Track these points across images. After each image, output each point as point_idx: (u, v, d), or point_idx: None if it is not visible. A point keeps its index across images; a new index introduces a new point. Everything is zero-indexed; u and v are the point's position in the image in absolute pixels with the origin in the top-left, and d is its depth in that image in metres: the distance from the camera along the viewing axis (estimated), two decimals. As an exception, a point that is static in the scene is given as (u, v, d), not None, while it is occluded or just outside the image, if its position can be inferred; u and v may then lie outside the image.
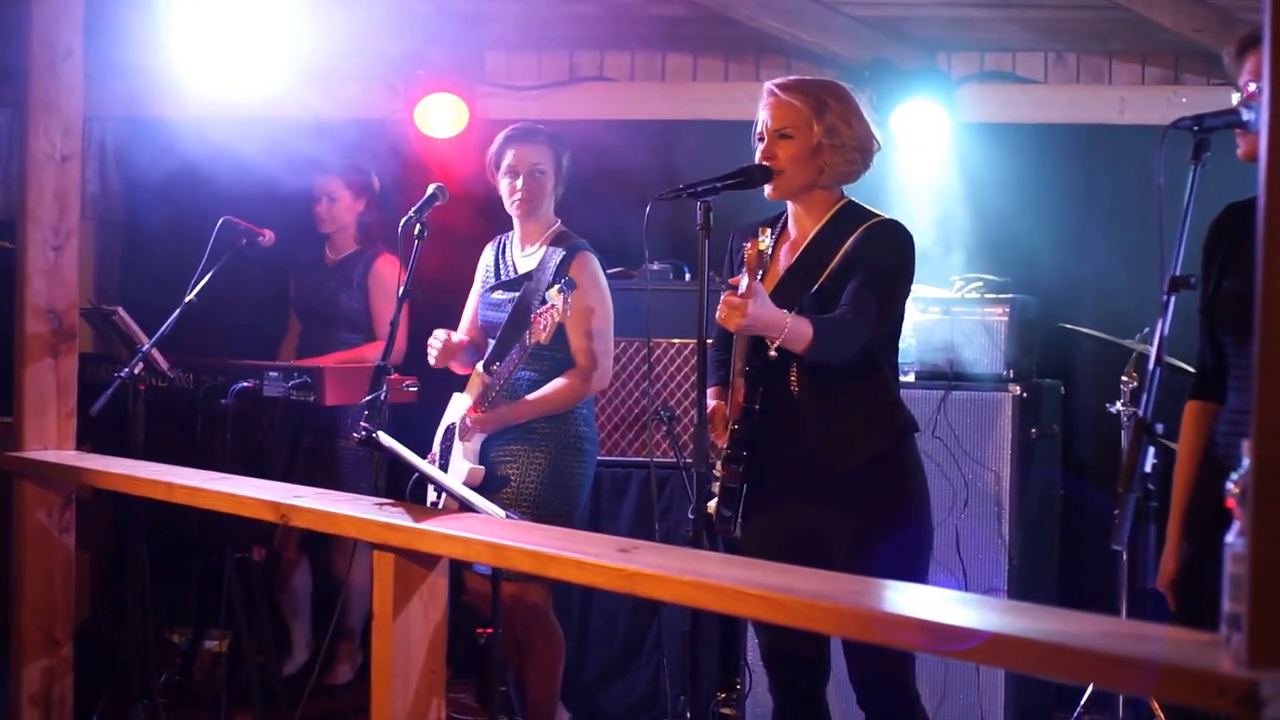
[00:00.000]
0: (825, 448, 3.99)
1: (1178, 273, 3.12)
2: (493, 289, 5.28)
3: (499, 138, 5.27)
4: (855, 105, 4.14)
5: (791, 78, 4.20)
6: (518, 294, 5.14)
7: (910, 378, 5.59)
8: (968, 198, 6.28)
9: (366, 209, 6.46)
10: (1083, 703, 5.44)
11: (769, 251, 3.89)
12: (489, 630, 4.25)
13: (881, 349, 4.06)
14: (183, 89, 6.50)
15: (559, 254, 5.12)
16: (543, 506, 4.99)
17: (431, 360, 5.14)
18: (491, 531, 3.48)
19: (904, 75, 6.34)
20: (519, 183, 5.17)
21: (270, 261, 6.24)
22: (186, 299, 5.42)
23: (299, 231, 6.42)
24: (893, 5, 6.27)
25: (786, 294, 3.98)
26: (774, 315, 3.80)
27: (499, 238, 5.39)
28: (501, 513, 3.91)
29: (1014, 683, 5.38)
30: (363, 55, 6.71)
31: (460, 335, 5.25)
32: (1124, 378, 5.29)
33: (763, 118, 4.14)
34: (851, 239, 4.01)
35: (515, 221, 5.28)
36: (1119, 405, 5.31)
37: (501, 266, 5.31)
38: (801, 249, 4.09)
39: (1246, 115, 3.24)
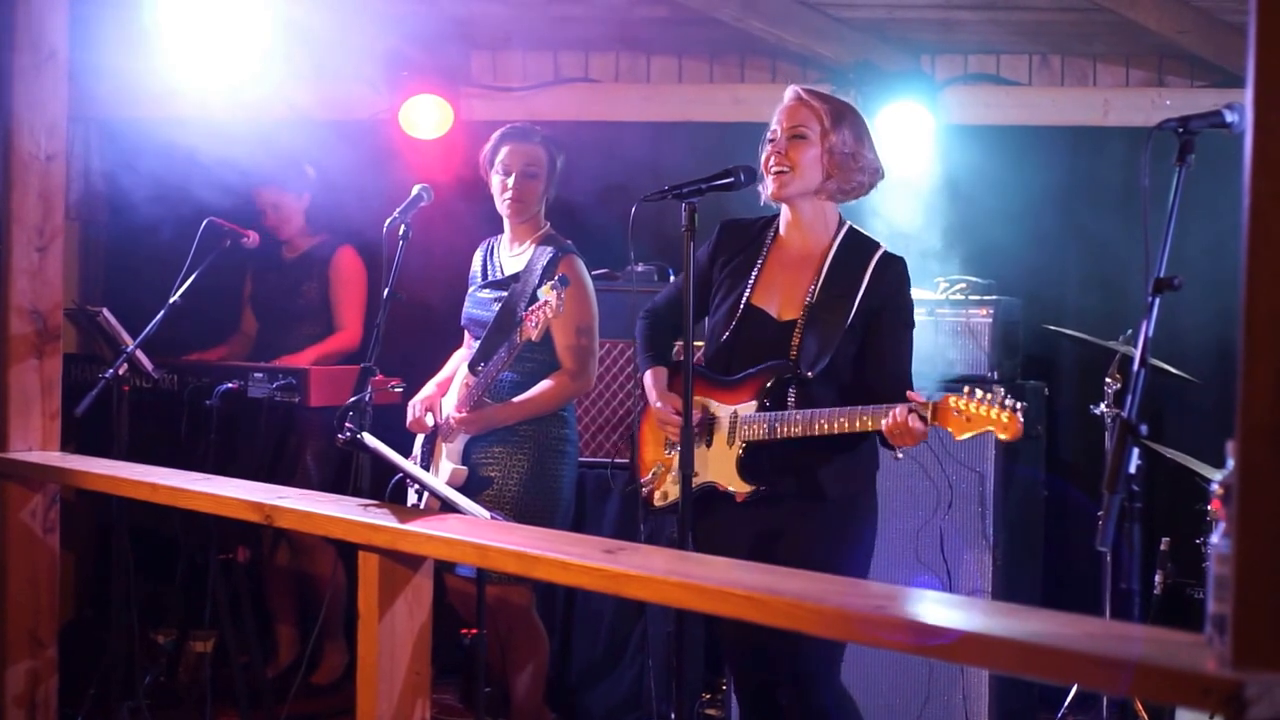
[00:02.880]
0: (832, 480, 4.10)
1: (1162, 274, 3.13)
2: (479, 289, 5.28)
3: (495, 135, 5.27)
4: (869, 130, 4.23)
5: (815, 87, 4.30)
6: (504, 294, 5.14)
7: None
8: (952, 200, 6.29)
9: (313, 202, 6.50)
10: (1067, 703, 5.45)
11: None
12: (473, 631, 4.25)
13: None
14: (167, 90, 6.50)
15: (546, 256, 5.12)
16: (525, 507, 4.99)
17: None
18: (476, 532, 3.48)
19: (889, 77, 6.35)
20: (510, 181, 5.16)
21: (238, 263, 6.25)
22: (171, 300, 5.41)
23: (264, 232, 6.41)
24: (877, 7, 6.27)
25: (821, 328, 4.07)
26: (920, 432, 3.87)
27: (488, 240, 5.39)
28: (486, 514, 3.91)
29: (998, 684, 5.38)
30: (347, 56, 6.70)
31: (426, 395, 5.28)
32: (1108, 379, 5.30)
33: (778, 119, 4.19)
34: (868, 276, 4.09)
35: (505, 222, 5.28)
36: (1103, 407, 5.32)
37: (489, 267, 5.31)
38: (822, 280, 4.13)
39: (1230, 117, 3.25)
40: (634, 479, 4.46)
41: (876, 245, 4.18)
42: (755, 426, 4.07)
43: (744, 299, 4.21)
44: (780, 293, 4.19)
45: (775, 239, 4.26)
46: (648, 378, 4.39)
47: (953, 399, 3.78)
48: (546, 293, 4.72)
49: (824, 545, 4.05)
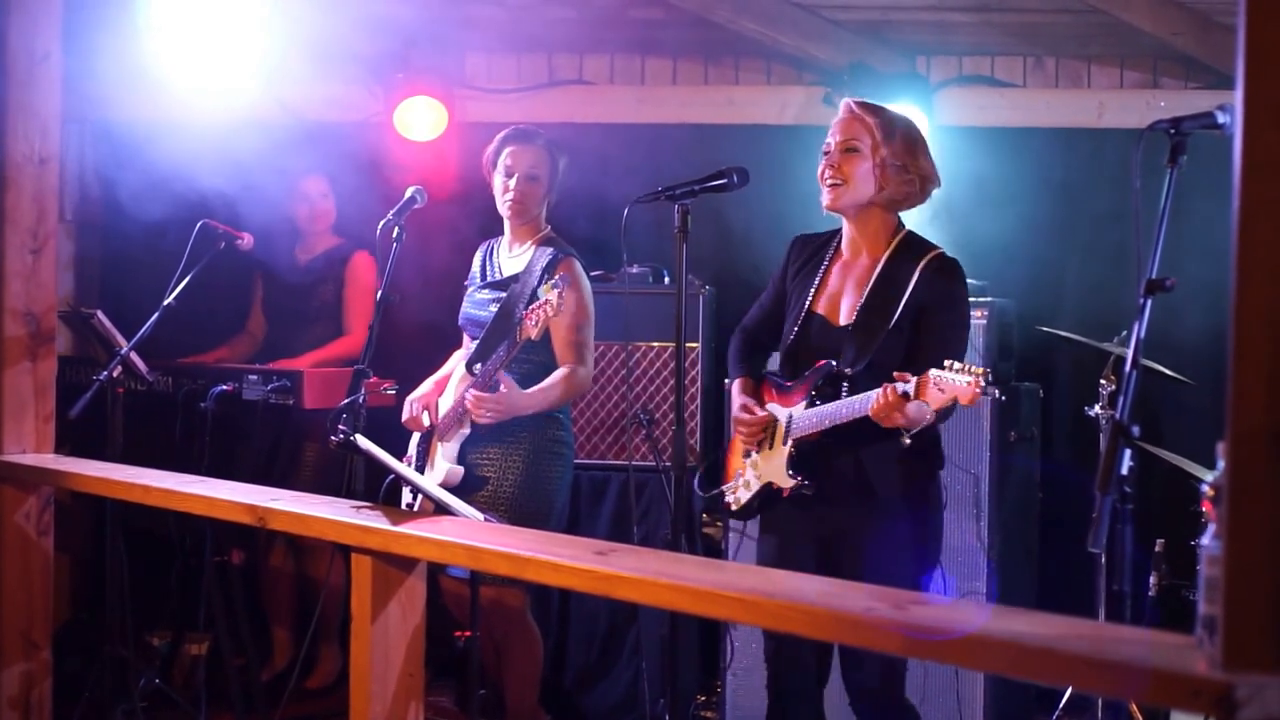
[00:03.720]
0: (884, 480, 4.17)
1: (1154, 275, 3.13)
2: (478, 289, 5.28)
3: (498, 137, 5.27)
4: (923, 140, 4.30)
5: (869, 101, 4.36)
6: (503, 295, 5.15)
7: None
8: (946, 201, 6.26)
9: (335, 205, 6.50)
10: (1061, 705, 5.45)
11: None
12: (467, 633, 4.25)
13: None
14: (161, 91, 6.48)
15: (546, 258, 5.13)
16: (520, 508, 4.99)
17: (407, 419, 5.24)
18: (468, 534, 3.49)
19: (883, 79, 6.35)
20: (512, 182, 5.17)
21: (243, 264, 6.24)
22: (165, 302, 5.41)
23: (270, 233, 6.41)
24: (872, 9, 6.27)
25: (865, 334, 4.16)
26: (917, 417, 3.97)
27: (488, 241, 5.40)
28: (479, 515, 3.91)
29: (993, 685, 5.38)
30: (342, 58, 6.70)
31: (423, 393, 5.28)
32: (1102, 381, 5.30)
33: (832, 132, 4.29)
34: (915, 277, 4.16)
35: (505, 223, 5.28)
36: (1097, 408, 5.31)
37: (488, 268, 5.32)
38: (871, 284, 4.22)
39: (1222, 118, 3.25)
40: (705, 484, 4.66)
41: (929, 249, 4.25)
42: (798, 426, 4.20)
43: (805, 306, 4.34)
44: (838, 299, 4.30)
45: (836, 248, 4.38)
46: (734, 388, 4.52)
47: (933, 371, 3.85)
48: (547, 291, 4.73)
49: (877, 545, 4.13)
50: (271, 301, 6.59)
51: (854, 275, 4.30)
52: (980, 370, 3.80)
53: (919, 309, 4.16)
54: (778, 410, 4.32)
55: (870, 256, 4.29)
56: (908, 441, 4.04)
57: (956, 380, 3.80)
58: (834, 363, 4.19)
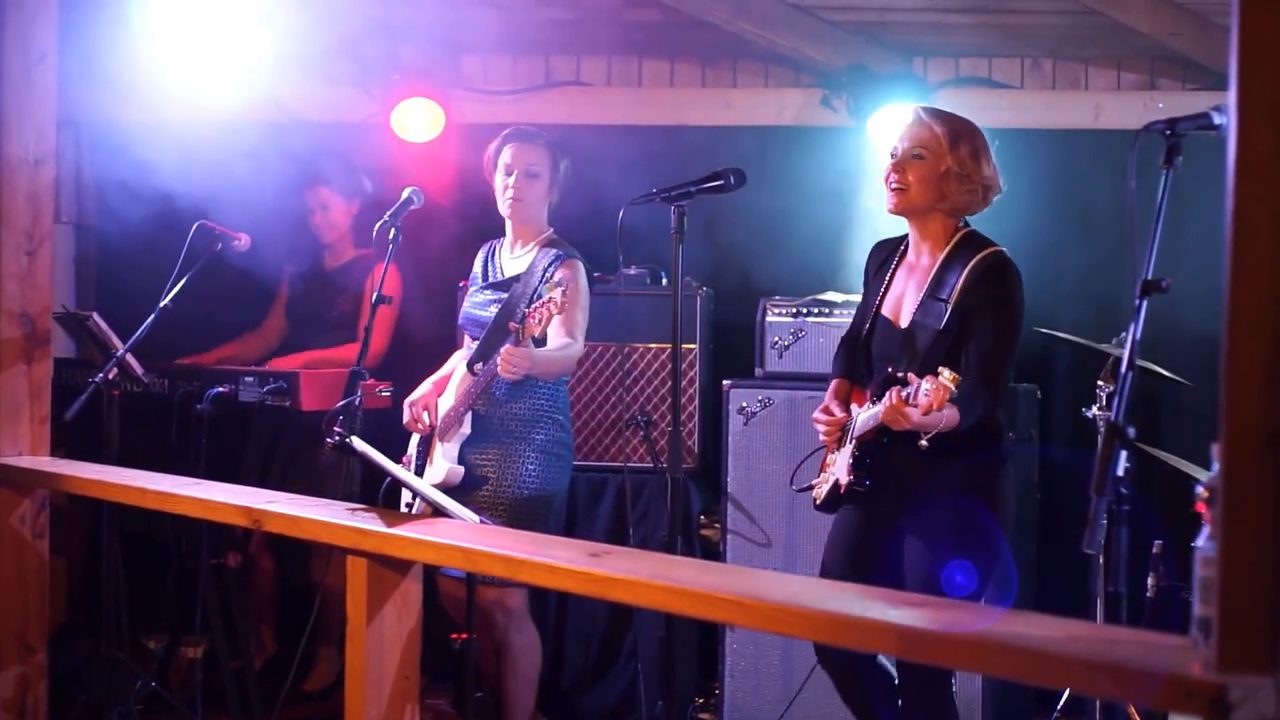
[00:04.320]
0: (940, 475, 4.20)
1: (1149, 276, 3.13)
2: (479, 289, 5.29)
3: (499, 136, 5.27)
4: (988, 147, 4.36)
5: (936, 107, 4.44)
6: (504, 296, 5.15)
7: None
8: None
9: (361, 212, 6.43)
10: (1060, 707, 5.44)
11: (955, 393, 3.94)
12: (464, 635, 4.24)
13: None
14: (158, 92, 6.48)
15: (548, 259, 5.13)
16: (519, 509, 4.99)
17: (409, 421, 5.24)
18: (464, 536, 3.48)
19: (880, 80, 6.35)
20: (511, 180, 5.17)
21: (249, 265, 6.22)
22: (161, 304, 5.40)
23: (297, 236, 6.40)
24: (869, 10, 6.26)
25: (920, 332, 4.24)
26: (932, 422, 4.03)
27: (491, 242, 5.40)
28: (475, 517, 3.90)
29: (991, 686, 5.38)
30: (338, 59, 6.69)
31: (422, 394, 5.27)
32: (1100, 382, 5.29)
33: (899, 136, 4.35)
34: (963, 278, 4.22)
35: (507, 223, 5.28)
36: (1095, 409, 5.31)
37: (489, 268, 5.32)
38: (926, 286, 4.30)
39: (1218, 119, 3.24)
40: (800, 480, 4.76)
41: (981, 248, 4.29)
42: (857, 427, 4.33)
43: (873, 309, 4.45)
44: (900, 302, 4.39)
45: (904, 251, 4.45)
46: (828, 390, 4.60)
47: (927, 377, 3.90)
48: (550, 290, 4.73)
49: (917, 542, 4.20)
50: (295, 303, 6.56)
51: (915, 277, 4.37)
52: (944, 381, 3.84)
53: (965, 311, 4.21)
54: (855, 411, 4.43)
55: (931, 257, 4.36)
56: (923, 444, 4.08)
57: (926, 390, 3.87)
58: (889, 367, 4.29)
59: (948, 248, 4.32)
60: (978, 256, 4.25)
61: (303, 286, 6.51)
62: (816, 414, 4.50)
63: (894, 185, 4.32)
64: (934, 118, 4.33)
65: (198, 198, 6.11)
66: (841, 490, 4.34)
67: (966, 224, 4.39)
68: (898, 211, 4.36)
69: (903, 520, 4.25)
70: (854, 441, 4.32)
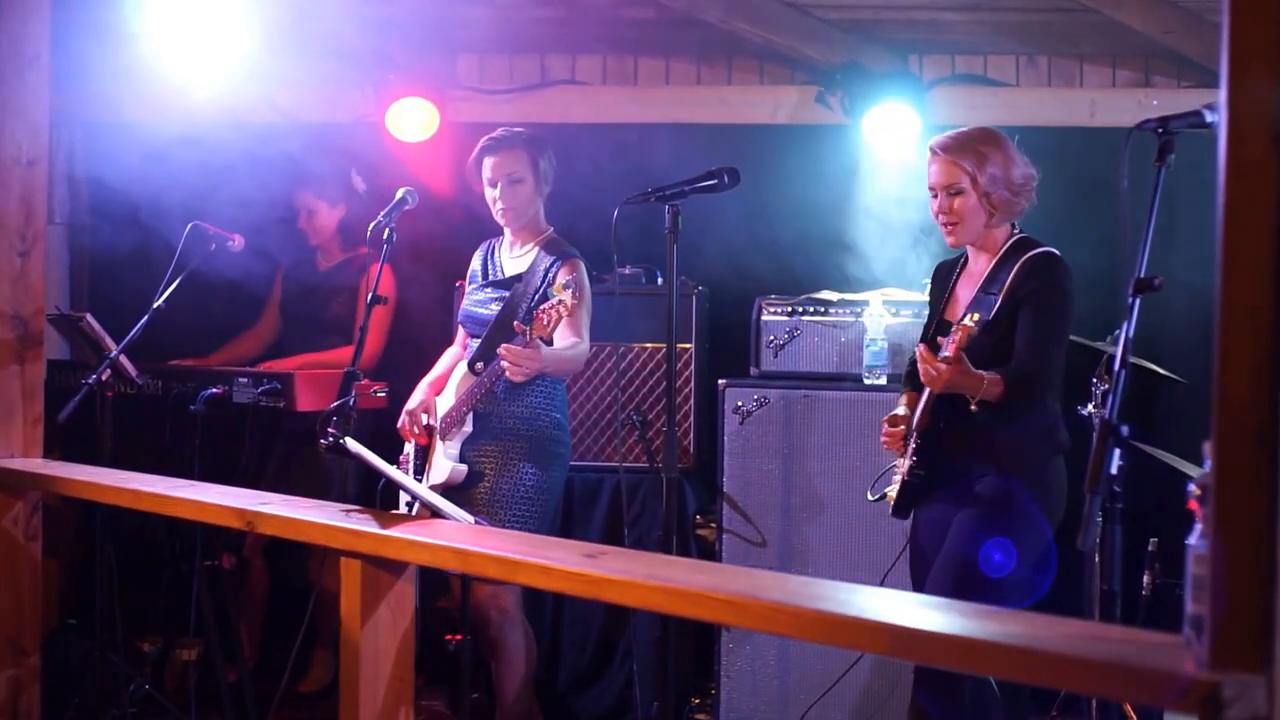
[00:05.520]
0: (990, 459, 4.33)
1: (1142, 274, 3.12)
2: (479, 288, 5.29)
3: (476, 149, 5.26)
4: (1010, 148, 4.49)
5: (949, 135, 4.50)
6: (506, 294, 5.15)
7: (883, 380, 5.58)
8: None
9: (348, 214, 6.41)
10: (1055, 705, 5.43)
11: (975, 330, 4.19)
12: (458, 637, 4.24)
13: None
14: (151, 93, 6.48)
15: (549, 259, 5.14)
16: (516, 508, 4.99)
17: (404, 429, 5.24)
18: (458, 538, 3.47)
19: (875, 78, 6.34)
20: (497, 192, 5.18)
21: (243, 266, 6.21)
22: (155, 305, 5.39)
23: (291, 236, 6.39)
24: (864, 8, 6.26)
25: (997, 332, 4.33)
26: (973, 380, 4.21)
27: (489, 240, 5.40)
28: (470, 518, 3.90)
29: (987, 686, 5.37)
30: (333, 59, 6.68)
31: (420, 399, 5.26)
32: (1095, 380, 5.28)
33: (931, 178, 4.48)
34: (1014, 273, 4.36)
35: (506, 229, 5.30)
36: (1090, 407, 5.30)
37: (489, 267, 5.32)
38: (981, 283, 4.46)
39: (1210, 117, 3.24)
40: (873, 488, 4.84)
41: (1030, 247, 4.43)
42: (914, 419, 4.45)
43: (937, 314, 4.62)
44: (960, 303, 4.51)
45: (965, 264, 4.62)
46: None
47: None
48: (559, 292, 4.73)
49: (970, 534, 4.28)
50: (288, 303, 6.55)
51: (973, 279, 4.53)
52: (966, 323, 4.12)
53: (1015, 303, 4.33)
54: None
55: (986, 261, 4.50)
56: (973, 408, 4.24)
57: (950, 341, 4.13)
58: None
59: (1001, 251, 4.46)
60: (1027, 255, 4.39)
61: (296, 287, 6.50)
62: (883, 425, 4.60)
63: (945, 223, 4.48)
64: (954, 152, 4.43)
65: (191, 198, 6.11)
66: (905, 479, 4.43)
67: (1019, 230, 4.51)
68: (958, 245, 4.51)
69: (951, 501, 4.37)
70: (915, 435, 4.43)
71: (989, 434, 4.32)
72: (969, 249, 4.57)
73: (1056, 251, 4.41)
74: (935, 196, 4.48)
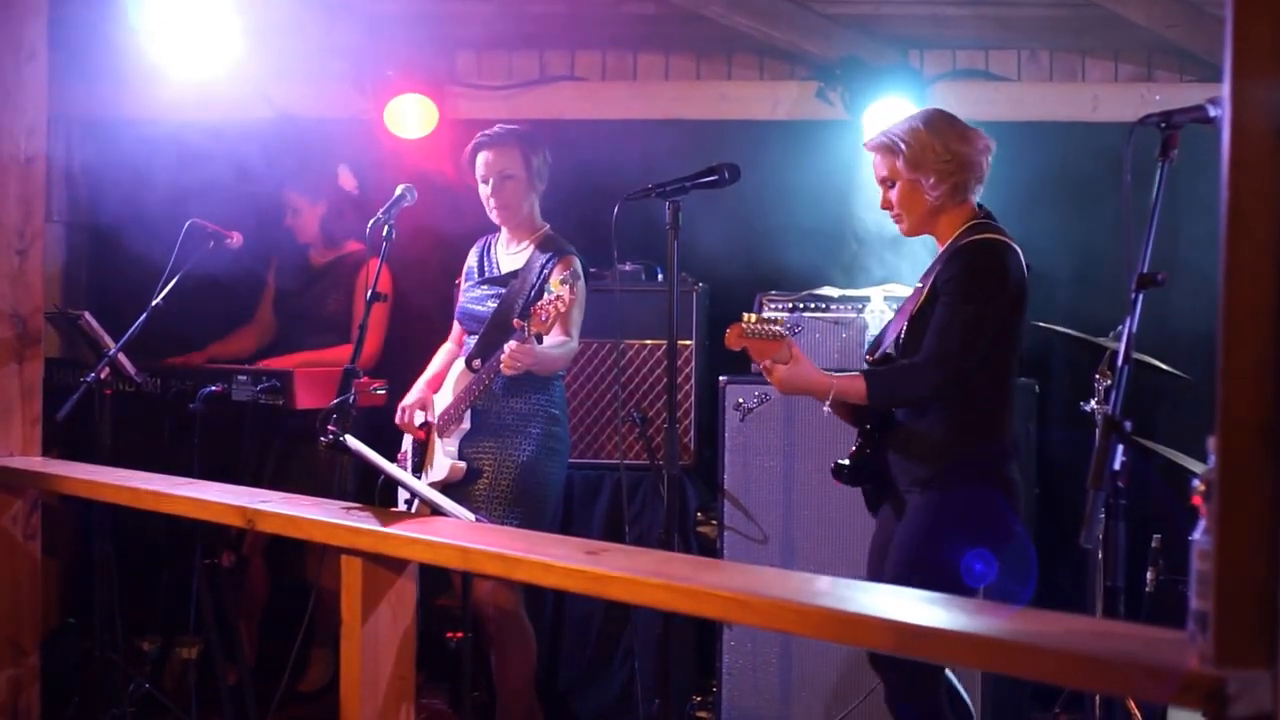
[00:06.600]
0: (906, 460, 4.26)
1: (1145, 270, 3.11)
2: (475, 285, 5.28)
3: (469, 146, 5.26)
4: (941, 125, 4.30)
5: (879, 132, 4.37)
6: (502, 291, 5.14)
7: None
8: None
9: (329, 210, 6.39)
10: (1059, 702, 5.43)
11: (776, 324, 4.16)
12: (459, 635, 4.24)
13: (980, 372, 4.19)
14: (149, 90, 6.46)
15: (545, 256, 5.14)
16: (515, 504, 4.99)
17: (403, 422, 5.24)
18: (459, 535, 3.47)
19: (876, 73, 6.33)
20: (489, 188, 5.18)
21: (242, 263, 6.20)
22: (153, 302, 5.38)
23: (285, 232, 6.38)
24: (865, 3, 6.25)
25: (918, 327, 4.22)
26: (812, 380, 4.17)
27: (485, 237, 5.39)
28: (471, 515, 3.89)
29: (990, 682, 5.36)
30: (332, 55, 6.67)
31: (417, 395, 5.26)
32: (1098, 376, 5.27)
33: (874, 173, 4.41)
34: (940, 264, 4.24)
35: (501, 225, 5.29)
36: (1093, 404, 5.29)
37: (486, 264, 5.32)
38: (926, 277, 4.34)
39: (1213, 112, 3.23)
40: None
41: (966, 235, 4.25)
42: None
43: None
44: (914, 299, 4.40)
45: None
46: None
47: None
48: (557, 288, 4.72)
49: (906, 536, 4.21)
50: (281, 297, 6.54)
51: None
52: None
53: (934, 293, 4.21)
54: None
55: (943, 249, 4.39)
56: (826, 410, 4.22)
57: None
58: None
59: (951, 239, 4.30)
60: (962, 243, 4.22)
61: (290, 282, 6.48)
62: None
63: (893, 217, 4.38)
64: (877, 145, 4.33)
65: (189, 195, 6.10)
66: (852, 456, 4.38)
67: (982, 215, 4.32)
68: (911, 234, 4.40)
69: (902, 510, 4.28)
70: (857, 434, 4.38)
71: (907, 436, 4.24)
72: (935, 239, 4.42)
73: (997, 238, 4.20)
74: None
